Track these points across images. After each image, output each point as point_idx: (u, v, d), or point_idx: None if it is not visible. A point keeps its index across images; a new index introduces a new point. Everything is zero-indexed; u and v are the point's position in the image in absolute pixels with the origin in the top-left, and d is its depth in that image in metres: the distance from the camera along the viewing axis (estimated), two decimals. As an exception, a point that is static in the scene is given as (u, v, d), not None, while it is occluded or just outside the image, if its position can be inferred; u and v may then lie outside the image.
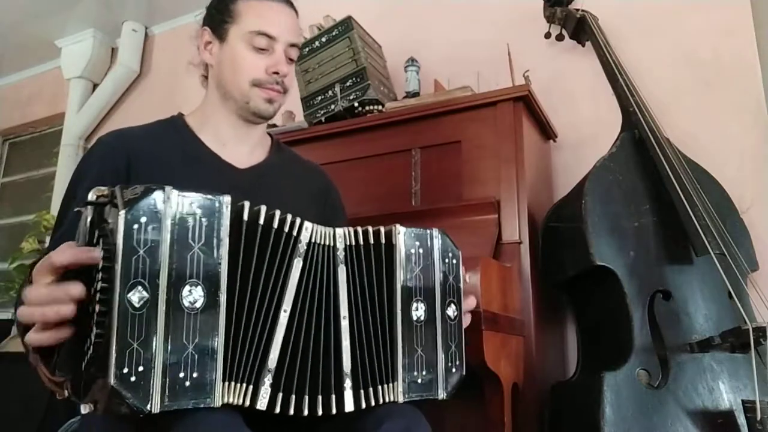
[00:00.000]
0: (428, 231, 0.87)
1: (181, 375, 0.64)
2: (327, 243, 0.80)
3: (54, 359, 0.68)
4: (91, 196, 0.67)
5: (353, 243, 0.82)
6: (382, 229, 0.85)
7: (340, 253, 0.81)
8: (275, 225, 0.75)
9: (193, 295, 0.66)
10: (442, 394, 0.85)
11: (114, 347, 0.59)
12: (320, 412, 0.75)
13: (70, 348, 0.66)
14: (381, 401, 0.80)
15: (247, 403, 0.70)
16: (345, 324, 0.79)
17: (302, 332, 0.76)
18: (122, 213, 0.62)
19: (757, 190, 1.66)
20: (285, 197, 1.11)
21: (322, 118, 1.93)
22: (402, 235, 0.84)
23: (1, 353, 2.44)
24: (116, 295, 0.60)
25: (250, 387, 0.70)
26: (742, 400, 1.21)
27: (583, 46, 1.96)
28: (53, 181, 3.17)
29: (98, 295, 0.61)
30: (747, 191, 1.63)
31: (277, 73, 1.06)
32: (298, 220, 0.77)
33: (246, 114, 1.09)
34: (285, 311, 0.74)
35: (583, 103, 1.96)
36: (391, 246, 0.84)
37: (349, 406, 0.77)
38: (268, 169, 1.14)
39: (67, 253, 0.65)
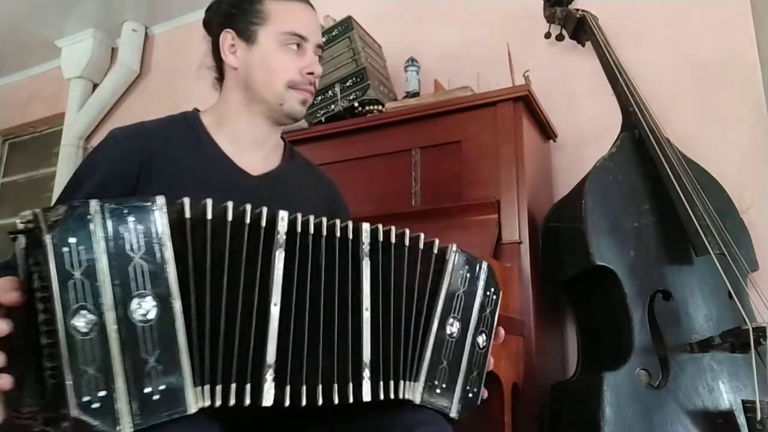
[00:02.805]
0: (477, 260, 0.90)
1: (147, 390, 0.61)
2: (349, 236, 0.79)
3: (20, 395, 0.64)
4: (18, 222, 0.62)
5: (385, 240, 0.82)
6: (437, 241, 0.87)
7: (365, 247, 0.80)
8: (229, 218, 0.70)
9: (144, 308, 0.62)
10: (454, 413, 0.86)
11: (69, 377, 0.57)
12: (336, 401, 0.75)
13: (32, 381, 0.62)
14: (400, 396, 0.80)
15: (246, 401, 0.68)
16: (367, 315, 0.79)
17: (305, 324, 0.73)
18: (47, 238, 0.58)
19: (757, 190, 1.66)
20: (295, 205, 1.10)
21: (322, 118, 1.93)
22: (456, 254, 0.87)
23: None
24: (59, 324, 0.57)
25: (247, 385, 0.68)
26: (742, 400, 1.21)
27: (583, 46, 1.96)
28: (53, 181, 3.17)
29: (43, 327, 0.59)
30: (747, 191, 1.63)
31: (311, 73, 1.06)
32: (264, 210, 0.72)
33: (278, 116, 1.08)
34: (275, 304, 0.71)
35: (583, 103, 1.96)
36: (443, 260, 0.86)
37: (366, 395, 0.77)
38: (280, 177, 1.12)
39: None
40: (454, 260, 0.87)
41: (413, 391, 0.82)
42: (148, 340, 0.62)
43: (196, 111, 1.12)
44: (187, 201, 0.68)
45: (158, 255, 0.64)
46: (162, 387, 0.62)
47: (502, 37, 1.95)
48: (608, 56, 1.72)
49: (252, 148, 1.09)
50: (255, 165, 1.09)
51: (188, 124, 1.08)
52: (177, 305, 0.65)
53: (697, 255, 1.35)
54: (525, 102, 1.62)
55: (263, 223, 0.72)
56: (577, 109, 1.96)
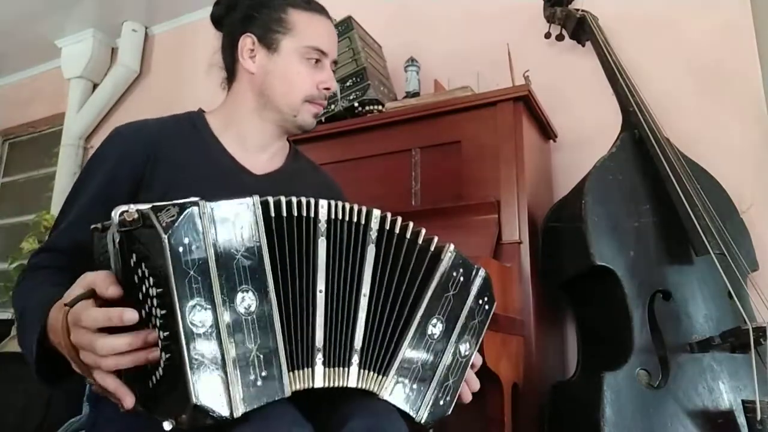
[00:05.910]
0: (474, 266, 0.87)
1: (252, 377, 0.67)
2: (355, 220, 0.80)
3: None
4: (116, 217, 0.66)
5: (392, 230, 0.83)
6: (435, 239, 0.85)
7: (373, 233, 0.81)
8: (294, 212, 0.76)
9: (246, 301, 0.68)
10: (421, 416, 0.82)
11: (188, 369, 0.62)
12: (339, 384, 0.76)
13: (133, 369, 0.68)
14: (360, 385, 0.78)
15: (311, 385, 0.73)
16: (364, 302, 0.79)
17: (337, 308, 0.77)
18: (165, 238, 0.63)
19: (757, 190, 1.66)
20: None
21: (322, 118, 1.93)
22: (452, 254, 0.84)
23: (1, 353, 2.44)
24: (178, 320, 0.62)
25: (308, 369, 0.74)
26: (742, 400, 1.21)
27: (583, 46, 1.96)
28: (53, 181, 3.17)
29: (158, 321, 0.64)
30: (747, 191, 1.63)
31: (328, 89, 1.08)
32: (312, 201, 0.77)
33: (289, 126, 1.09)
34: (321, 291, 0.76)
35: (584, 102, 1.96)
36: (437, 258, 0.83)
37: (352, 382, 0.77)
38: (283, 176, 1.12)
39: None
40: (448, 260, 0.84)
41: (378, 385, 0.79)
42: (251, 331, 0.68)
43: (202, 111, 1.11)
44: (271, 199, 0.74)
45: (257, 252, 0.70)
46: (263, 373, 0.68)
47: (502, 37, 1.95)
48: (608, 56, 1.72)
49: (257, 150, 1.10)
50: (258, 165, 1.09)
51: (193, 124, 1.08)
52: (273, 297, 0.70)
53: (697, 255, 1.35)
54: (525, 102, 1.62)
55: (311, 213, 0.77)
56: (577, 109, 1.96)
